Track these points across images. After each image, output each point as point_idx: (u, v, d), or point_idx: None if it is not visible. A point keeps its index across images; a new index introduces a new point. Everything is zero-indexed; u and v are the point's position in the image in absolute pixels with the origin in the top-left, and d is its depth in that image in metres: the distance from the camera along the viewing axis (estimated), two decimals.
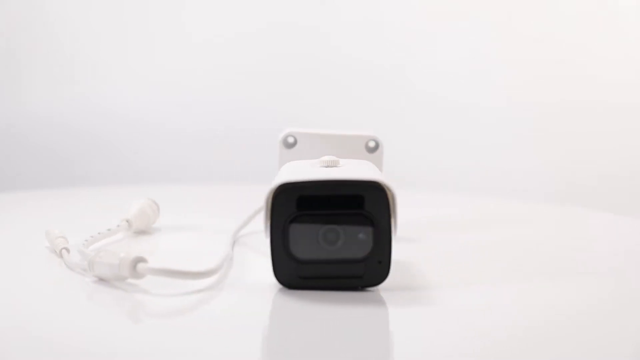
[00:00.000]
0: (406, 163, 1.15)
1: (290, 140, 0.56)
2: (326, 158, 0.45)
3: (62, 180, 1.33)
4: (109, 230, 0.55)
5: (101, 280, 0.44)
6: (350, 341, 0.36)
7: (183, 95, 1.35)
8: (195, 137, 1.34)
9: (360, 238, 0.40)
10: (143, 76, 1.36)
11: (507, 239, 0.59)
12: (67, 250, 0.50)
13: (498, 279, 0.46)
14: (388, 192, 0.40)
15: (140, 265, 0.42)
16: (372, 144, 0.55)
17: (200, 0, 1.33)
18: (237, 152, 1.31)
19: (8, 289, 0.45)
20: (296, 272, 0.41)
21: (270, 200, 0.41)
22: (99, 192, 0.95)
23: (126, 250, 0.45)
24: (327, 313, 0.39)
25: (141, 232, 0.60)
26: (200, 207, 0.77)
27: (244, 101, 1.33)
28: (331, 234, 0.40)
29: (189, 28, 1.35)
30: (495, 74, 1.25)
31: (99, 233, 0.53)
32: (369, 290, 0.42)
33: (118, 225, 0.56)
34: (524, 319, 0.38)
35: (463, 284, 0.45)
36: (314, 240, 0.40)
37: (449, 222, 0.67)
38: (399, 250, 0.54)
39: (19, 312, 0.40)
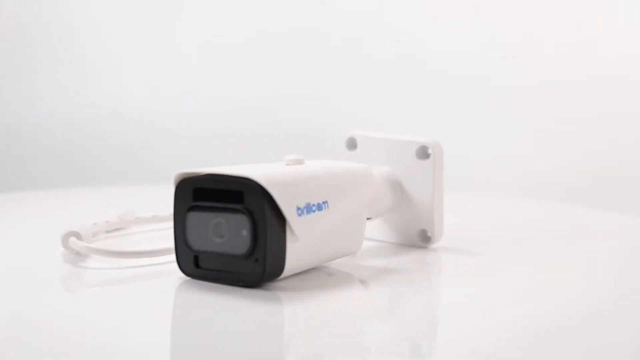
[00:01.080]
0: None
1: (353, 142, 0.56)
2: (291, 157, 0.45)
3: (60, 180, 1.33)
4: (153, 216, 0.59)
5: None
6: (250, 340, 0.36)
7: (183, 96, 1.35)
8: (195, 137, 1.34)
9: (243, 234, 0.39)
10: (144, 76, 1.36)
11: (507, 239, 0.59)
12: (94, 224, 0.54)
13: (498, 278, 0.46)
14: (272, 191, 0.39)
15: (72, 240, 0.47)
16: (427, 151, 0.53)
17: (201, 3, 1.33)
18: (238, 152, 1.31)
19: None
20: (193, 262, 0.42)
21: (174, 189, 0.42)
22: (99, 191, 0.95)
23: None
24: (223, 307, 0.38)
25: None
26: None
27: (244, 101, 1.33)
28: (220, 227, 0.40)
29: (189, 31, 1.35)
30: (496, 72, 1.25)
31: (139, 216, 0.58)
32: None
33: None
34: (524, 318, 0.38)
35: (463, 284, 0.45)
36: (206, 232, 0.40)
37: (448, 222, 0.67)
38: (398, 250, 0.54)
39: None
